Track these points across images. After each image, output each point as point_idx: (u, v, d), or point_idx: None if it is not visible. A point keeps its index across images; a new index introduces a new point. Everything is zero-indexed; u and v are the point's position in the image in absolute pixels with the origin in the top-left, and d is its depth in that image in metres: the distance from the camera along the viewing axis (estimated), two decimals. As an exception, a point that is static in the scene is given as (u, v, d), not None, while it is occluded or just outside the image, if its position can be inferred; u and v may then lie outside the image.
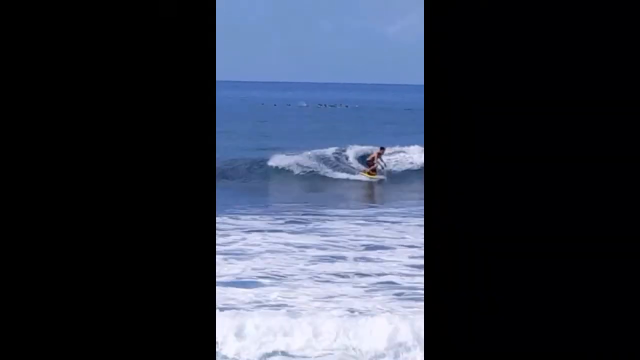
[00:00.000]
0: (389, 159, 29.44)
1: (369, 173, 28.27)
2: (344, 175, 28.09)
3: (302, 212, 18.91)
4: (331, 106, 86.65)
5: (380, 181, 27.90)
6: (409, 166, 29.42)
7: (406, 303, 11.11)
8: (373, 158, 28.61)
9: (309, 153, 29.73)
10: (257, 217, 17.95)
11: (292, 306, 10.84)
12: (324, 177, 28.01)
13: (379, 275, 12.77)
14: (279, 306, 10.89)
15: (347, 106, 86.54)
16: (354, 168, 29.06)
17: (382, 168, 28.55)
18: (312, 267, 13.44)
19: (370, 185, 27.17)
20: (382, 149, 29.29)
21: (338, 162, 29.66)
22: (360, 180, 27.50)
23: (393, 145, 31.08)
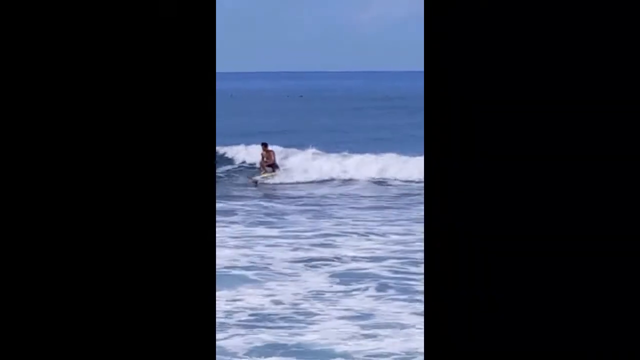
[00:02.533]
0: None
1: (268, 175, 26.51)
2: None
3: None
4: (300, 96, 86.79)
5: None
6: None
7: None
8: (269, 159, 26.83)
9: None
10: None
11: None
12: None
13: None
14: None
15: (301, 96, 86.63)
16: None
17: (271, 169, 26.64)
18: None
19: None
20: (264, 145, 27.32)
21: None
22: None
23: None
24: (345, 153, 27.72)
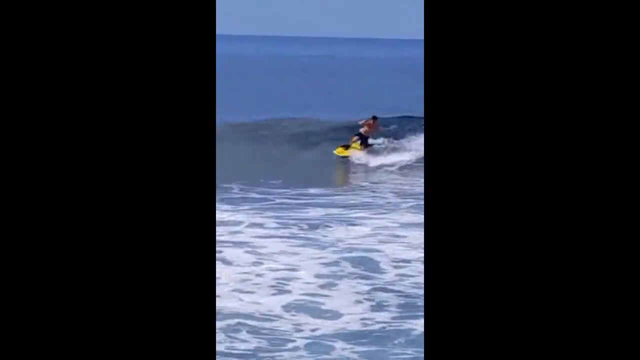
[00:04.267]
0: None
1: (350, 146, 23.72)
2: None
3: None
4: None
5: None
6: None
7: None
8: (364, 131, 23.81)
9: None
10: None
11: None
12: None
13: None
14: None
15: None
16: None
17: (372, 144, 23.70)
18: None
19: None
20: (375, 119, 24.08)
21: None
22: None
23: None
24: None
